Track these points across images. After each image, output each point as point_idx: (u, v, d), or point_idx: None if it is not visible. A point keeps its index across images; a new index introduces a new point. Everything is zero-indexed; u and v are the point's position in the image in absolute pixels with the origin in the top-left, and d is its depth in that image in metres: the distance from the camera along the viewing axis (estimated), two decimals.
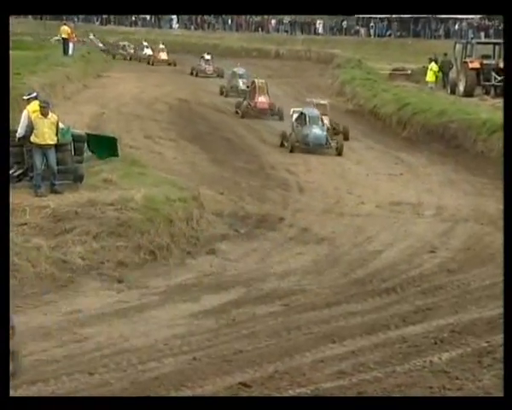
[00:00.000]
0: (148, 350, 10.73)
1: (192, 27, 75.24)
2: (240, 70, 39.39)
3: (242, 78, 38.42)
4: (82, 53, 44.82)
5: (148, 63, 53.41)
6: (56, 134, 16.03)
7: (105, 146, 18.45)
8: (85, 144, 17.73)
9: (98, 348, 10.88)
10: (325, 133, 25.93)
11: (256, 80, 33.20)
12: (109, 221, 14.84)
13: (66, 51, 41.65)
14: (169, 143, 26.58)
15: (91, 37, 59.86)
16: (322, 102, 28.86)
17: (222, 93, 38.87)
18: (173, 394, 9.05)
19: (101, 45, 59.18)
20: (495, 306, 12.41)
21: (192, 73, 47.79)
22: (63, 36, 41.96)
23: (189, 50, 57.50)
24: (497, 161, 24.39)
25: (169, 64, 53.46)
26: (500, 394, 8.81)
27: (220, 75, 46.12)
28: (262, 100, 32.15)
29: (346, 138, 27.59)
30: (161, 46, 56.04)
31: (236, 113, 32.78)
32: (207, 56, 48.70)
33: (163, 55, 54.60)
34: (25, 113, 16.26)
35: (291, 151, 25.89)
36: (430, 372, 9.61)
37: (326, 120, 26.85)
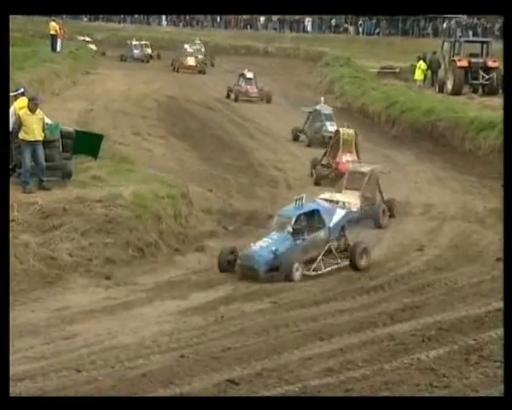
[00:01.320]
0: (135, 347, 10.74)
1: (181, 24, 75.11)
2: (325, 108, 27.30)
3: (330, 119, 26.76)
4: (70, 49, 44.67)
5: (174, 69, 46.91)
6: (43, 130, 16.00)
7: (87, 144, 18.13)
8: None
9: (86, 344, 10.87)
10: None
11: (341, 130, 22.46)
12: (97, 218, 14.82)
13: (54, 48, 41.49)
14: (158, 139, 26.57)
15: (186, 46, 51.77)
16: (364, 169, 18.96)
17: (296, 138, 27.64)
18: (161, 391, 9.06)
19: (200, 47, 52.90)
20: (482, 304, 12.47)
21: (229, 96, 36.76)
22: (51, 32, 41.74)
23: (177, 48, 57.17)
24: (485, 160, 24.55)
25: (199, 72, 46.16)
26: (486, 391, 8.88)
27: (268, 100, 36.23)
28: (347, 159, 21.75)
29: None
30: (189, 49, 48.72)
31: (312, 175, 22.56)
32: (249, 74, 36.98)
33: (190, 61, 46.58)
34: (11, 109, 16.22)
35: None
36: (417, 370, 9.64)
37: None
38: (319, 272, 14.57)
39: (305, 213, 14.98)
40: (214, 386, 9.20)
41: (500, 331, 10.62)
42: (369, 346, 10.58)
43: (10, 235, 13.74)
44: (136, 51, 52.83)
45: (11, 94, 17.18)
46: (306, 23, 69.42)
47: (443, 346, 10.45)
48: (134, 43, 53.49)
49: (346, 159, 21.80)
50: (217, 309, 12.46)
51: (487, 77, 35.77)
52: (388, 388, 9.05)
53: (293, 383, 9.24)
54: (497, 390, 8.82)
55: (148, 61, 52.10)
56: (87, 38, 58.04)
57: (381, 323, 11.61)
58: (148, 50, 53.83)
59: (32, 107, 15.94)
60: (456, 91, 35.55)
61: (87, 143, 18.18)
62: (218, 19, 73.95)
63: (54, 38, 41.68)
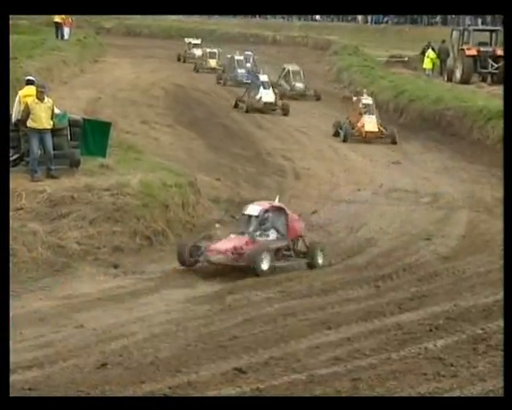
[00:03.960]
0: (143, 335, 10.75)
1: None
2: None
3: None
4: (78, 37, 44.64)
5: (336, 134, 26.54)
6: (52, 118, 16.01)
7: (94, 141, 17.85)
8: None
9: (94, 333, 10.90)
10: None
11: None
12: (105, 206, 14.84)
13: (58, 35, 41.40)
14: (165, 128, 26.55)
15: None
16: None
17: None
18: (169, 379, 9.08)
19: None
20: (490, 293, 12.45)
21: None
22: (56, 20, 41.57)
23: (184, 36, 57.01)
24: (493, 149, 24.45)
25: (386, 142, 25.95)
26: (494, 381, 8.88)
27: None
28: None
29: None
30: (365, 97, 27.25)
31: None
32: None
33: (369, 124, 26.13)
34: (17, 97, 16.28)
35: None
36: (425, 359, 9.64)
37: None
38: None
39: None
40: (221, 375, 9.21)
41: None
42: (376, 335, 10.57)
43: (19, 223, 13.80)
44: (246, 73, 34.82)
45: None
46: None
47: (451, 335, 10.45)
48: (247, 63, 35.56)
49: None
50: (224, 298, 12.47)
51: (496, 66, 35.60)
52: (395, 377, 9.05)
53: (300, 371, 9.25)
54: None
55: (274, 107, 29.73)
56: (194, 41, 46.23)
57: (389, 312, 11.61)
58: (300, 85, 33.20)
59: (40, 95, 15.95)
60: (465, 80, 35.42)
61: (95, 133, 17.99)
62: None
63: (59, 25, 41.57)
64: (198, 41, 45.96)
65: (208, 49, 42.97)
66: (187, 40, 46.94)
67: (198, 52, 44.54)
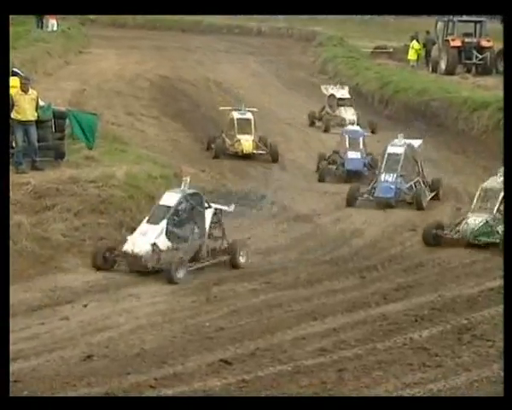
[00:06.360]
0: (129, 327, 10.75)
1: None
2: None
3: None
4: (63, 28, 44.41)
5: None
6: (36, 110, 15.95)
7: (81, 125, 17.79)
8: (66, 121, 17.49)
9: (79, 324, 10.88)
10: None
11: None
12: (91, 198, 14.79)
13: (39, 26, 41.21)
14: (151, 120, 26.47)
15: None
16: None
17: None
18: (155, 370, 9.09)
19: None
20: (474, 283, 12.53)
21: None
22: None
23: (170, 27, 56.81)
24: (478, 139, 24.55)
25: None
26: (479, 370, 8.94)
27: None
28: None
29: None
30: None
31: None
32: None
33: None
34: None
35: None
36: (410, 349, 9.69)
37: None
38: None
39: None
40: (208, 366, 9.23)
41: (492, 311, 10.71)
42: (361, 326, 10.62)
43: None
44: None
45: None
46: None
47: (436, 325, 10.51)
48: None
49: None
50: (210, 289, 12.47)
51: (481, 57, 35.72)
52: (381, 367, 9.09)
53: (286, 362, 9.28)
54: (490, 370, 8.90)
55: None
56: (338, 93, 26.92)
57: (374, 303, 11.65)
58: None
59: (24, 87, 15.89)
60: (450, 71, 35.50)
61: (81, 123, 17.94)
62: None
63: (40, 17, 41.37)
64: (345, 92, 26.93)
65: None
66: (325, 88, 27.66)
67: (349, 115, 25.48)
